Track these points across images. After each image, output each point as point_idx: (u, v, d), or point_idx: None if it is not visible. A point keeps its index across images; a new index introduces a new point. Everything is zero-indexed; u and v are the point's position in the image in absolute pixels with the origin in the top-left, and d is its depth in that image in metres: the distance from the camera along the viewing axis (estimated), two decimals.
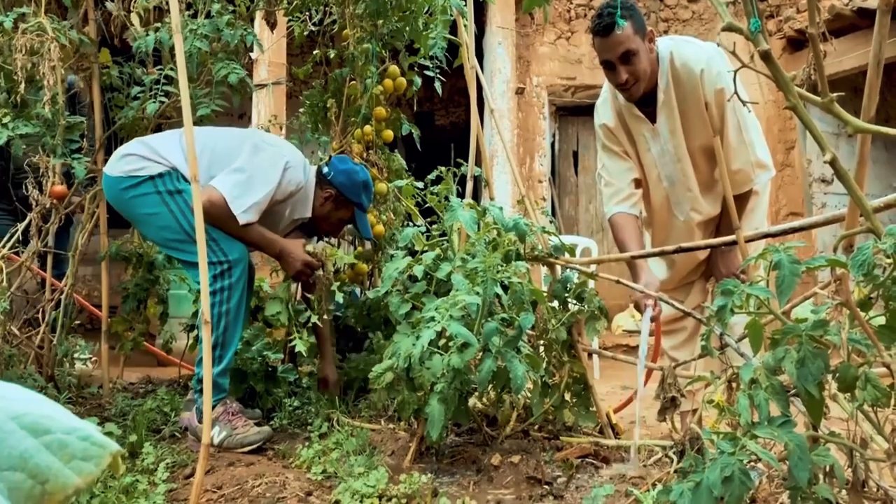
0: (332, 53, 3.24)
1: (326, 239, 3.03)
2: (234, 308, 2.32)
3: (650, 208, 2.61)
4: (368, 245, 3.19)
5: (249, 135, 2.59)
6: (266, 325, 3.00)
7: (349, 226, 2.84)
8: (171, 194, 2.34)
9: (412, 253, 2.36)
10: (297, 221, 2.64)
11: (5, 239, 2.84)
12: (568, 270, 2.42)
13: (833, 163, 1.28)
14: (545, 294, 2.34)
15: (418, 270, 2.18)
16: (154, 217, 2.37)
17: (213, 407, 2.25)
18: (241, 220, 2.32)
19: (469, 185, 2.57)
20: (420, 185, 3.22)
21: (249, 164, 2.38)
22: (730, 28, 1.31)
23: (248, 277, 2.53)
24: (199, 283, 2.34)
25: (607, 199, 2.54)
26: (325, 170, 2.63)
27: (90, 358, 3.43)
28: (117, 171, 2.38)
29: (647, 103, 2.40)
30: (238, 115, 6.77)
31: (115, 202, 2.46)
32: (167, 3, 2.10)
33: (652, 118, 2.42)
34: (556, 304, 2.39)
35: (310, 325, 2.62)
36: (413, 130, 3.26)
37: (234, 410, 2.35)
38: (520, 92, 6.98)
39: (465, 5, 2.71)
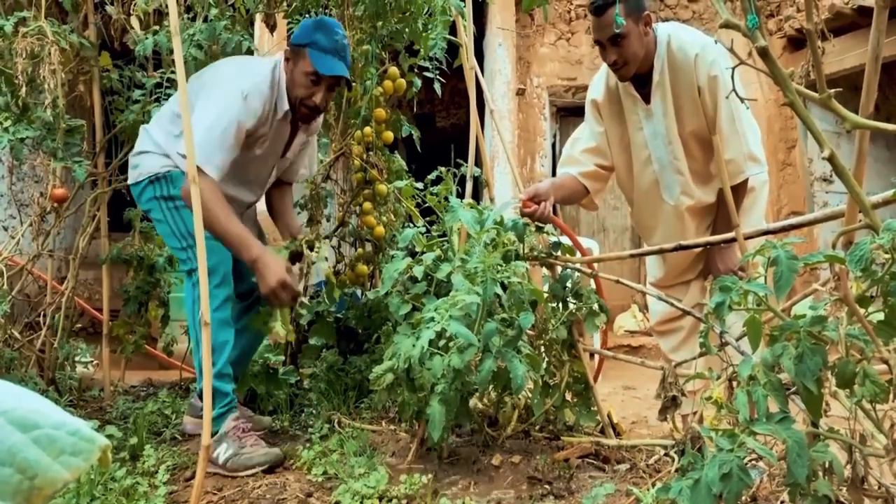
0: None
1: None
2: (217, 314, 2.24)
3: (636, 193, 2.62)
4: (369, 247, 3.18)
5: (215, 73, 2.40)
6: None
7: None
8: (166, 200, 2.32)
9: (413, 254, 2.36)
10: (287, 114, 2.41)
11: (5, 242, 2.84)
12: (567, 270, 2.42)
13: (831, 159, 1.27)
14: (545, 294, 2.34)
15: (418, 271, 2.17)
16: (159, 224, 2.39)
17: (223, 416, 2.25)
18: (213, 174, 2.15)
19: (469, 186, 2.57)
20: (420, 185, 3.23)
21: (203, 118, 2.19)
22: (727, 25, 1.30)
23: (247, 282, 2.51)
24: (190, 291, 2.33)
25: (564, 161, 2.68)
26: None
27: (91, 361, 3.43)
28: (132, 180, 2.41)
29: (642, 84, 2.44)
30: None
31: (140, 207, 2.49)
32: (167, 7, 2.10)
33: (647, 99, 2.45)
34: (556, 304, 2.38)
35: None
36: (413, 132, 3.26)
37: (246, 427, 2.26)
38: (520, 93, 6.98)
39: (465, 6, 2.71)
